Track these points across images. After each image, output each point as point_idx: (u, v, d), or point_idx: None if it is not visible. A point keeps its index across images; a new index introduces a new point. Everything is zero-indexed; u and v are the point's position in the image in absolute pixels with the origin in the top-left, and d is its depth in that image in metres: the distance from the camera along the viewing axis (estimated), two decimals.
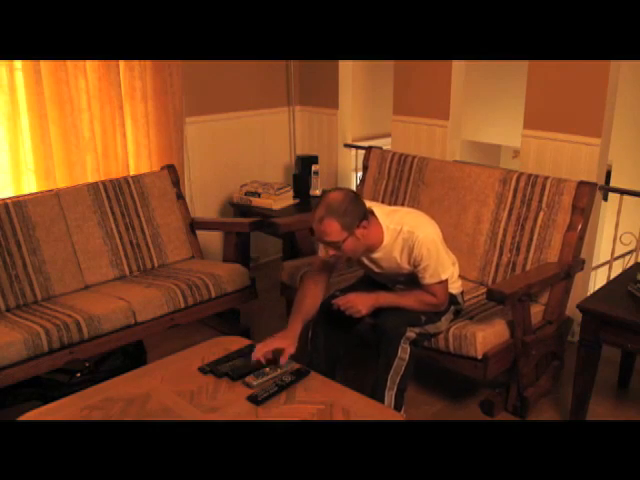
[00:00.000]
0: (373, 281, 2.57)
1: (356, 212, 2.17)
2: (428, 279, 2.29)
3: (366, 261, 2.40)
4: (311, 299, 2.35)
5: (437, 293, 2.32)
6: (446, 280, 2.33)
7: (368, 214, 2.23)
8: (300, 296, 2.36)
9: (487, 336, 2.42)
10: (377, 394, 2.26)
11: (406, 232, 2.25)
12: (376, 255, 2.34)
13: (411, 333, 2.28)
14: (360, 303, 2.27)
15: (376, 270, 2.43)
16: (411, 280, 2.38)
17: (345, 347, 2.53)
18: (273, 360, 2.14)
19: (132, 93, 3.40)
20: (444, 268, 2.29)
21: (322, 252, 2.39)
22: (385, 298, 2.33)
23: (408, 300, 2.33)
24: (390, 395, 2.26)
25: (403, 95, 3.69)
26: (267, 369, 2.08)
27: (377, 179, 3.36)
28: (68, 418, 1.86)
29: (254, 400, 1.90)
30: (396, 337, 2.26)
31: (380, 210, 2.31)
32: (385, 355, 2.28)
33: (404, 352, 2.26)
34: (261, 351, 2.13)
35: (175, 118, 3.60)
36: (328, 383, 2.08)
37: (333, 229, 2.13)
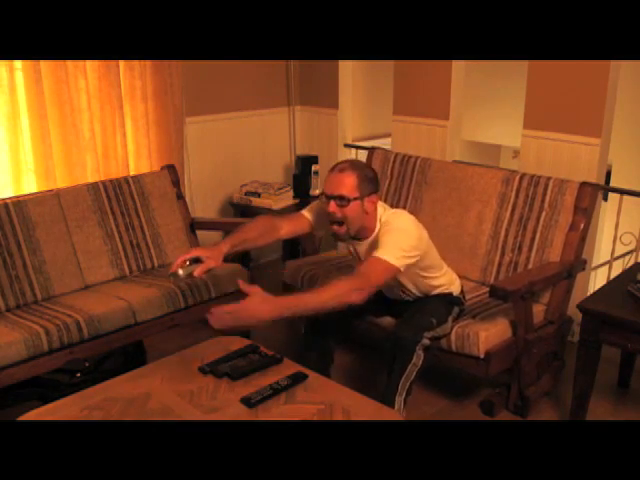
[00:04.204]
0: None
1: (374, 182, 2.25)
2: (379, 252, 2.10)
3: (351, 249, 2.41)
4: (255, 234, 2.26)
5: (372, 272, 2.06)
6: (392, 267, 2.09)
7: (378, 193, 2.27)
8: (247, 227, 2.28)
9: (490, 335, 2.43)
10: (388, 400, 2.25)
11: (385, 222, 2.24)
12: (359, 247, 2.35)
13: (426, 340, 2.28)
14: (248, 317, 1.84)
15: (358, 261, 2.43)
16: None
17: (336, 342, 2.51)
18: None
19: (132, 93, 3.40)
20: (398, 256, 2.10)
21: (307, 213, 2.40)
22: (288, 304, 1.90)
23: (322, 295, 1.96)
24: (399, 400, 2.26)
25: (403, 95, 3.69)
26: (180, 271, 2.02)
27: (380, 179, 3.35)
28: (68, 418, 1.86)
29: (247, 403, 1.90)
30: (412, 345, 2.25)
31: (380, 204, 2.33)
32: (400, 362, 2.26)
33: (418, 359, 2.25)
34: (179, 259, 2.04)
35: (175, 118, 3.60)
36: (328, 383, 2.08)
37: (350, 182, 2.17)
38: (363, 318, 2.67)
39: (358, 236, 2.31)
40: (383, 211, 2.30)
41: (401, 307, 2.47)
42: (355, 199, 2.17)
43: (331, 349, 2.52)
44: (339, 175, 2.18)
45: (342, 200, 2.17)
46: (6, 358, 2.39)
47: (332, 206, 2.19)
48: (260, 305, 1.84)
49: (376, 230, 2.28)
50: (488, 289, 2.48)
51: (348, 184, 2.17)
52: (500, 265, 2.83)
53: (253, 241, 2.28)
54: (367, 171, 2.24)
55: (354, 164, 2.25)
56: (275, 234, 2.33)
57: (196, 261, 2.07)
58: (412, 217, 2.31)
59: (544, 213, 2.74)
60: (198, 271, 2.04)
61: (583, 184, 2.68)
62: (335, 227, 2.25)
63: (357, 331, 2.76)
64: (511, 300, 2.40)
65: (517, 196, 2.83)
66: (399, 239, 2.16)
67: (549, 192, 2.74)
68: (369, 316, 2.66)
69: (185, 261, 2.06)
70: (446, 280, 2.45)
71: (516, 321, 2.48)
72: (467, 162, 3.50)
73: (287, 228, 2.37)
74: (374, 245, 2.23)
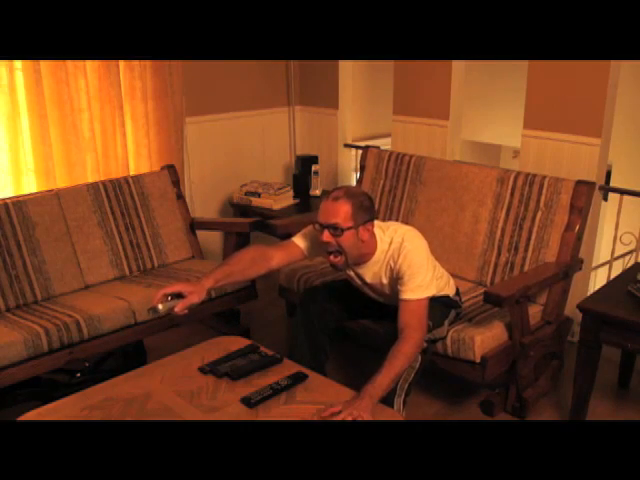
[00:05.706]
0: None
1: (369, 210, 2.20)
2: (409, 294, 2.17)
3: (352, 274, 2.38)
4: (242, 266, 2.19)
5: (415, 318, 2.15)
6: (425, 300, 2.18)
7: (374, 221, 2.23)
8: (235, 258, 2.21)
9: (485, 339, 2.41)
10: (387, 401, 2.24)
11: (396, 243, 2.22)
12: (362, 270, 2.33)
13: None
14: (363, 415, 1.87)
15: (359, 283, 2.42)
16: (393, 295, 2.33)
17: (329, 339, 2.50)
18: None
19: (132, 93, 3.40)
20: (425, 287, 2.18)
21: (300, 241, 2.34)
22: (377, 390, 1.95)
23: (397, 366, 2.03)
24: (399, 402, 2.26)
25: (403, 95, 3.69)
26: (160, 306, 1.93)
27: (374, 179, 3.36)
28: (68, 418, 1.86)
29: (247, 402, 1.90)
30: None
31: (376, 223, 2.29)
32: None
33: (415, 361, 2.24)
34: (160, 293, 1.98)
35: (175, 118, 3.60)
36: (328, 383, 2.08)
37: (344, 211, 2.12)
38: (358, 321, 2.67)
39: (358, 262, 2.29)
40: (382, 232, 2.27)
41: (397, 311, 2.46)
42: (349, 228, 2.12)
43: (324, 345, 2.49)
44: (333, 204, 2.12)
45: (336, 229, 2.12)
46: (6, 358, 2.39)
47: (326, 235, 2.14)
48: (363, 411, 1.85)
49: (378, 251, 2.26)
50: (484, 290, 2.46)
51: (342, 213, 2.11)
52: (496, 265, 2.82)
53: (241, 273, 2.20)
54: (362, 199, 2.17)
55: (349, 192, 2.17)
56: (265, 265, 2.25)
57: (178, 296, 1.98)
58: (415, 231, 2.29)
59: (540, 212, 2.73)
60: (179, 307, 1.96)
61: (579, 183, 2.67)
62: (332, 258, 2.21)
63: (354, 333, 2.75)
64: (505, 305, 2.38)
65: (512, 195, 2.82)
66: (421, 269, 2.18)
67: (544, 191, 2.73)
68: (366, 321, 2.65)
69: (166, 296, 1.97)
70: (441, 283, 2.43)
71: (512, 325, 2.48)
72: (463, 161, 3.49)
73: (279, 258, 2.29)
74: (388, 271, 2.24)
